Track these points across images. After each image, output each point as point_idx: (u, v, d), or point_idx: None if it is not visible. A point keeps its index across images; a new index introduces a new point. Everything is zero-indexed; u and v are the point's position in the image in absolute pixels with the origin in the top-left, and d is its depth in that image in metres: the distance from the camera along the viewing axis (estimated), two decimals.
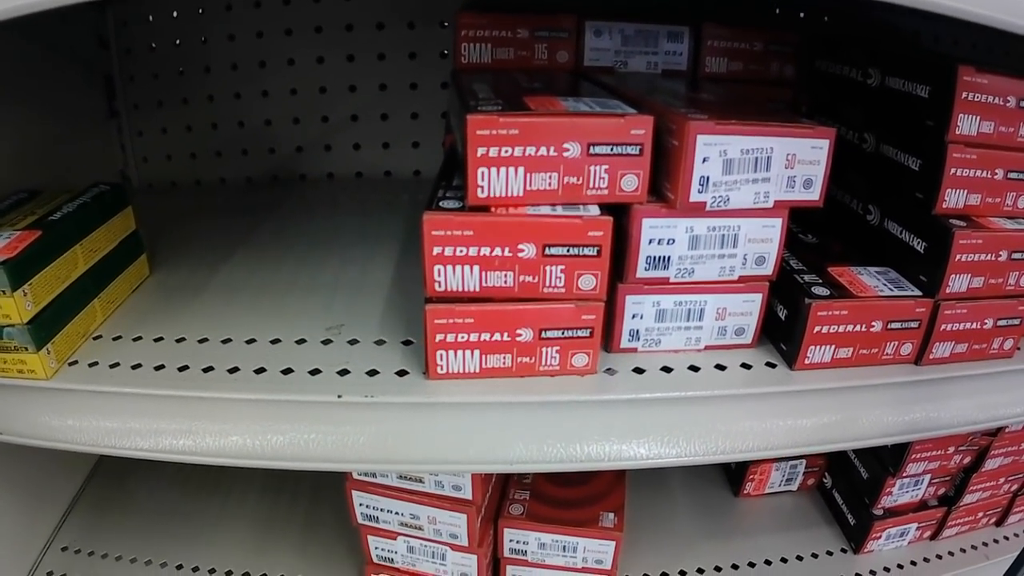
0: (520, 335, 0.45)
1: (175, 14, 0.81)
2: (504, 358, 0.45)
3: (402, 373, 0.47)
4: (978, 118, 0.46)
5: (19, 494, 0.70)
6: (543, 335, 0.45)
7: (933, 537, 0.77)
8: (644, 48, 0.61)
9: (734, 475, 0.81)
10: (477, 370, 0.46)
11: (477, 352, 0.45)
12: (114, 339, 0.52)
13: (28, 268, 0.46)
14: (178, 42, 0.83)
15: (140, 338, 0.52)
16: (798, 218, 0.53)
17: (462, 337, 0.44)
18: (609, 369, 0.48)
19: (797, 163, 0.44)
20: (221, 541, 0.73)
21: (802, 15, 0.79)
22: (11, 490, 0.68)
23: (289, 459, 0.46)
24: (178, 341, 0.52)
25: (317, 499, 0.78)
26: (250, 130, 0.87)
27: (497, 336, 0.44)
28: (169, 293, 0.59)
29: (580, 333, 0.45)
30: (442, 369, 0.45)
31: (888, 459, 0.69)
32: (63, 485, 0.77)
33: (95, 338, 0.52)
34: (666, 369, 0.48)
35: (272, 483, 0.80)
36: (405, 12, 0.80)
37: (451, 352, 0.45)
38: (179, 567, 0.70)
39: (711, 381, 0.47)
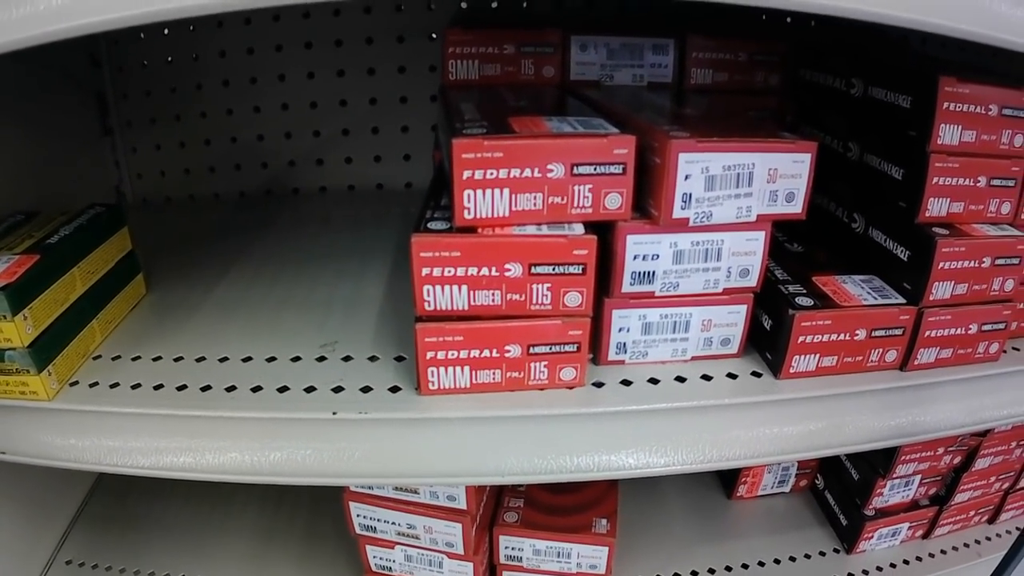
0: (509, 351, 0.45)
1: (166, 31, 0.82)
2: (494, 373, 0.46)
3: (395, 389, 0.48)
4: (960, 127, 0.46)
5: (23, 510, 0.71)
6: (531, 351, 0.46)
7: (925, 536, 0.77)
8: (629, 61, 0.61)
9: (727, 478, 0.82)
10: (468, 385, 0.47)
11: (467, 368, 0.46)
12: (113, 359, 0.53)
13: (28, 292, 0.46)
14: (170, 59, 0.83)
15: (139, 358, 0.53)
16: (783, 227, 0.53)
17: (452, 354, 0.45)
18: (597, 382, 0.49)
19: (779, 177, 0.44)
20: (222, 553, 0.74)
21: (788, 20, 0.80)
22: (15, 507, 0.69)
23: (287, 475, 0.47)
24: (176, 360, 0.53)
25: (317, 510, 0.79)
26: (243, 145, 0.87)
27: (486, 352, 0.45)
28: (166, 312, 0.60)
29: (567, 348, 0.46)
30: (434, 385, 0.46)
31: (878, 461, 0.69)
32: (65, 501, 0.78)
33: (95, 358, 0.53)
34: (653, 380, 0.49)
35: (272, 495, 0.81)
36: (394, 27, 0.81)
37: (442, 369, 0.46)
38: None
39: (698, 391, 0.48)
